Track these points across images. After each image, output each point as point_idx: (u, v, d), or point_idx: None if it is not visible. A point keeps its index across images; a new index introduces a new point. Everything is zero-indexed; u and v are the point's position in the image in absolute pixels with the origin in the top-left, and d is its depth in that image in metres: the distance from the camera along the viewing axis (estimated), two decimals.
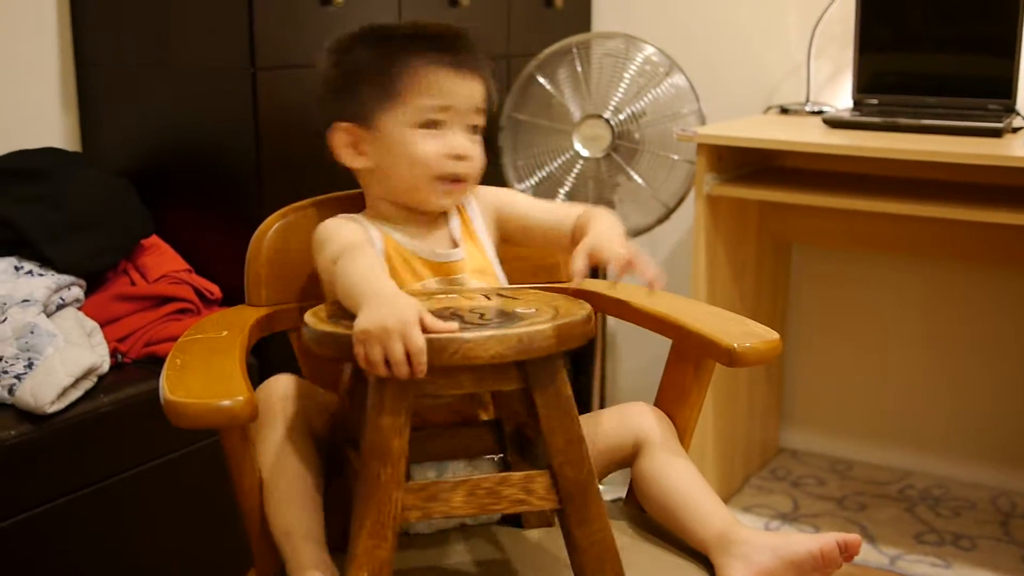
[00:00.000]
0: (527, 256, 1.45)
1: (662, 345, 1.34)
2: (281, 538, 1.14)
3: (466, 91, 1.29)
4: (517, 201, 1.40)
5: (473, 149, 1.30)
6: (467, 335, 0.97)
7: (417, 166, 1.27)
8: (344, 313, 1.08)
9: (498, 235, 1.38)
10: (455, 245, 1.33)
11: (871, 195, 2.20)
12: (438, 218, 1.35)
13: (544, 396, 1.03)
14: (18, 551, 1.59)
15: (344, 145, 1.30)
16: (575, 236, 1.30)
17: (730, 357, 1.21)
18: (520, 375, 1.03)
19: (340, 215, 1.31)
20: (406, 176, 1.29)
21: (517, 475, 1.06)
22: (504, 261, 1.38)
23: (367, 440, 1.01)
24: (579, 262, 1.20)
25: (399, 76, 1.27)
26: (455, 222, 1.35)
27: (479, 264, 1.33)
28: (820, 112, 2.49)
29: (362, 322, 1.00)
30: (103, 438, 1.70)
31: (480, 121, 1.31)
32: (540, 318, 1.04)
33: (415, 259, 1.29)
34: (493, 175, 2.47)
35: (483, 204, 1.39)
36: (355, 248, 1.18)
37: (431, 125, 1.28)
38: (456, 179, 1.29)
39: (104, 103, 2.17)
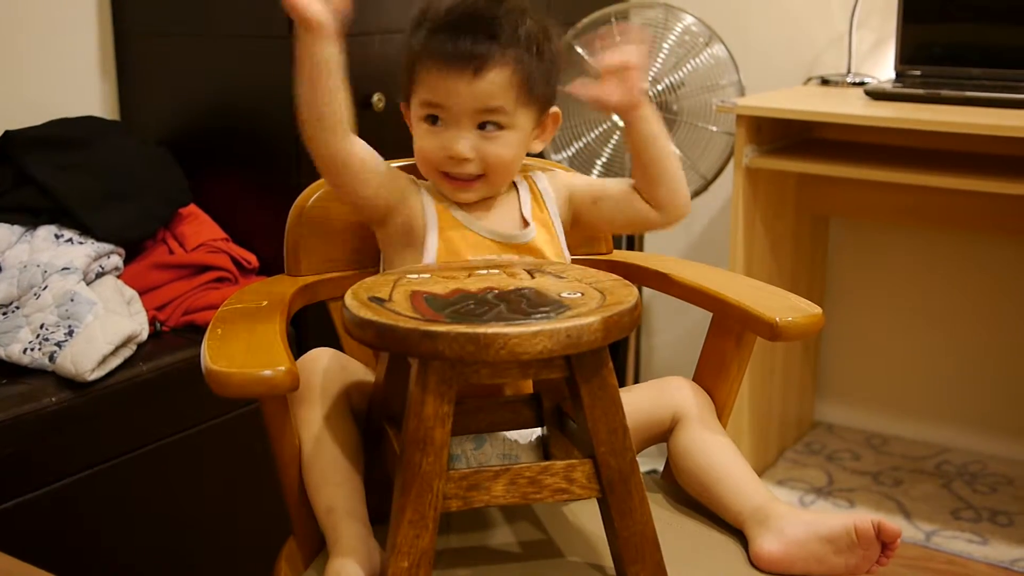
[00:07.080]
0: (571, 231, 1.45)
1: (697, 317, 1.33)
2: (323, 514, 1.13)
3: (466, 90, 1.20)
4: (586, 179, 1.38)
5: (470, 150, 1.22)
6: (513, 330, 0.95)
7: (420, 160, 1.27)
8: (384, 293, 1.05)
9: (569, 216, 1.35)
10: (525, 224, 1.30)
11: (912, 168, 2.17)
12: (504, 195, 1.32)
13: (589, 387, 1.02)
14: (57, 517, 1.61)
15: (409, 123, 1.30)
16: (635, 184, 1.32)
17: (772, 331, 1.20)
18: (566, 365, 1.02)
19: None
20: (420, 166, 1.28)
21: (559, 464, 1.05)
22: None
23: (408, 428, 0.99)
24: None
25: (413, 67, 1.24)
26: (526, 198, 1.32)
27: (548, 245, 1.30)
28: (862, 83, 2.46)
29: None
30: (142, 405, 1.72)
31: (496, 117, 1.22)
32: (587, 306, 1.01)
33: (471, 235, 1.26)
34: None
35: (556, 185, 1.35)
36: None
37: (431, 120, 1.24)
38: (459, 178, 1.24)
39: (143, 71, 2.17)
